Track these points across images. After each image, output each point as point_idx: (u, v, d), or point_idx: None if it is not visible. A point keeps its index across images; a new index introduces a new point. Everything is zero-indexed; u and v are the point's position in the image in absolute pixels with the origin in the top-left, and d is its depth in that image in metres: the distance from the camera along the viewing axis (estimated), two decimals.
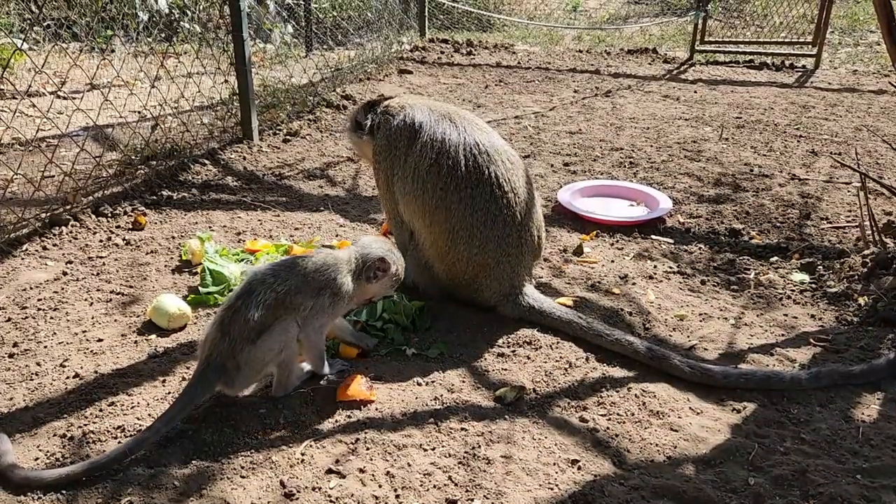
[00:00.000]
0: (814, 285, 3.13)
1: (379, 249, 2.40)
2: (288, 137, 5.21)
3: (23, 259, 3.23)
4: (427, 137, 2.71)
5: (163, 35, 6.51)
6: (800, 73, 7.84)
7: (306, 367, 2.36)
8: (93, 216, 3.66)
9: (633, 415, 2.23)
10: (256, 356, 2.12)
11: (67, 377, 2.38)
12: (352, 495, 1.88)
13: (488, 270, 2.71)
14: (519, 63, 8.34)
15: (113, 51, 6.55)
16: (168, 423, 2.03)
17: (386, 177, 2.86)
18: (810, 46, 8.13)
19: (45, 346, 2.57)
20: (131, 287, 3.02)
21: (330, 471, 1.96)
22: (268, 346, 2.13)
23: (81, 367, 2.42)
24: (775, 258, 3.39)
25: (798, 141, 5.30)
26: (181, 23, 5.83)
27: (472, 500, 1.88)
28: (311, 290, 2.23)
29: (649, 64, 8.42)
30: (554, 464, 2.01)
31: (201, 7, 6.15)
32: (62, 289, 2.98)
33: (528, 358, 2.51)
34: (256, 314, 2.11)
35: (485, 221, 2.66)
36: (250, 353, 2.11)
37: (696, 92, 6.95)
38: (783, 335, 2.74)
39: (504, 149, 2.76)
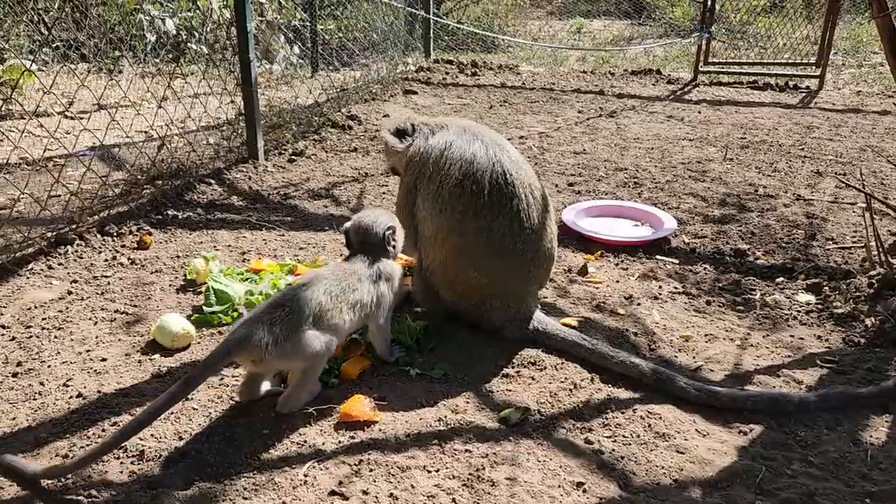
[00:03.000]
0: (820, 306, 3.11)
1: (375, 224, 2.57)
2: (293, 157, 5.23)
3: (28, 278, 3.24)
4: (456, 156, 2.66)
5: (170, 56, 6.59)
6: (804, 94, 7.87)
7: (317, 388, 2.36)
8: (98, 235, 3.67)
9: (638, 437, 2.21)
10: (305, 341, 2.19)
11: (70, 397, 2.37)
12: None
13: (494, 298, 2.70)
14: (523, 84, 8.39)
15: (120, 71, 6.63)
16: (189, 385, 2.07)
17: (407, 190, 2.82)
18: (814, 67, 8.16)
19: (49, 366, 2.56)
20: (136, 306, 3.02)
21: (333, 492, 1.94)
22: (315, 336, 2.22)
23: (85, 387, 2.42)
24: (781, 279, 3.38)
25: (803, 161, 5.31)
26: (188, 44, 5.89)
27: None
28: (369, 287, 2.43)
29: (653, 85, 8.47)
30: (559, 486, 1.99)
31: (208, 28, 6.22)
32: (67, 308, 2.98)
33: (533, 379, 2.50)
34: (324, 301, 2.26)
35: (499, 252, 2.62)
36: (303, 334, 2.19)
37: (700, 112, 6.97)
38: (789, 356, 2.72)
39: (530, 181, 2.69)
